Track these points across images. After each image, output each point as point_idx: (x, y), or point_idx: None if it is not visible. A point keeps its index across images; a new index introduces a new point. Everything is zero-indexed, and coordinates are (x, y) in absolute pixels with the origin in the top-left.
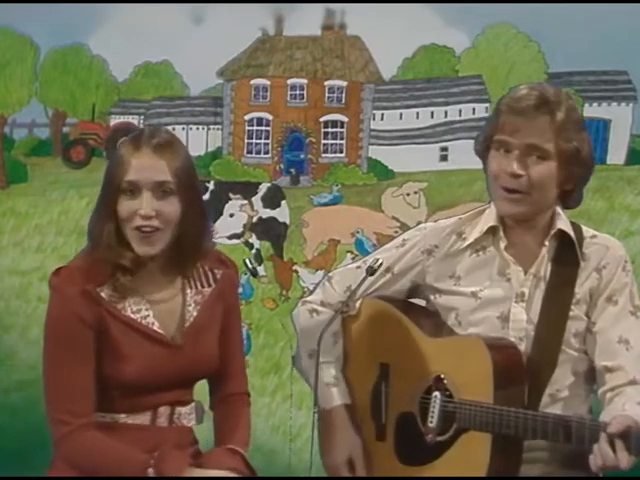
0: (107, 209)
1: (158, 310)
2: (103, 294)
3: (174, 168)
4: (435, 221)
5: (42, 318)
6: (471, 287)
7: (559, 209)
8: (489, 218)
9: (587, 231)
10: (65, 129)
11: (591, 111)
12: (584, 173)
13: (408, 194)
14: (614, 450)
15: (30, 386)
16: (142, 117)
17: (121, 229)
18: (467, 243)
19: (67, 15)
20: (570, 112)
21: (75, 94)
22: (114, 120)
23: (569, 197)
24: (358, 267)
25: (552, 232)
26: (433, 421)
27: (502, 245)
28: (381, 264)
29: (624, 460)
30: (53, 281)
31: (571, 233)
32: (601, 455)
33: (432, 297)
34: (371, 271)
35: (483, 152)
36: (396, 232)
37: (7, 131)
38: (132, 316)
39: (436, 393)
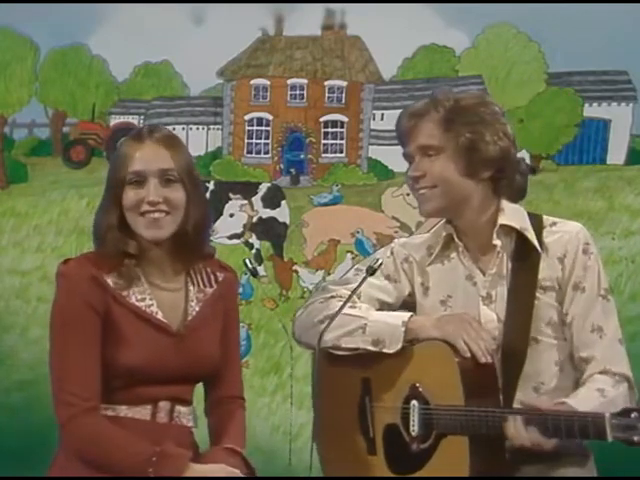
0: (112, 203)
1: (162, 301)
2: (109, 281)
3: (177, 158)
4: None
5: (42, 318)
6: (440, 296)
7: (505, 204)
8: (445, 228)
9: (547, 219)
10: (65, 129)
11: (591, 111)
12: (491, 160)
13: (408, 194)
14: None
15: (30, 386)
16: (142, 117)
17: (126, 220)
18: (433, 257)
19: (67, 15)
20: (455, 108)
21: (75, 94)
22: (114, 120)
23: (498, 186)
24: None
25: (495, 229)
26: (415, 429)
27: (460, 250)
28: (381, 264)
29: (535, 438)
30: (61, 269)
31: (516, 225)
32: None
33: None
34: (371, 271)
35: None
36: (396, 232)
37: (7, 131)
38: (137, 304)
39: (413, 402)
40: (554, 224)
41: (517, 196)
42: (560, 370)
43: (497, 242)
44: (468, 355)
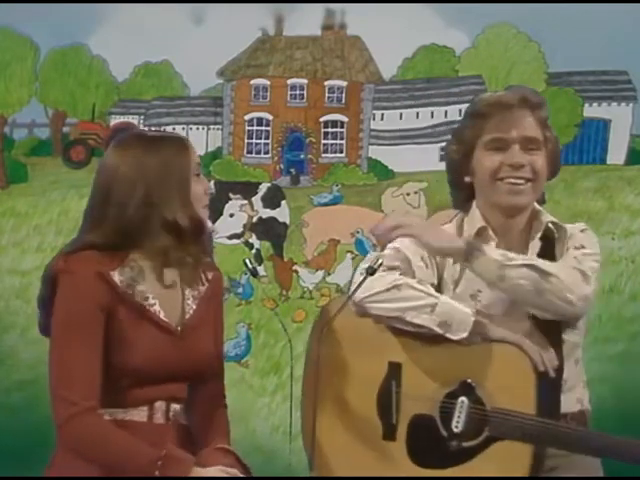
0: (187, 193)
1: (163, 300)
2: (115, 278)
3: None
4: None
5: None
6: (470, 290)
7: (537, 206)
8: (475, 221)
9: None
10: (65, 129)
11: (591, 111)
12: (558, 168)
13: (408, 194)
14: None
15: (30, 386)
16: (142, 117)
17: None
18: None
19: (67, 15)
20: (546, 109)
21: (75, 94)
22: (114, 120)
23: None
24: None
25: (542, 227)
26: (459, 426)
27: (493, 245)
28: (381, 264)
29: None
30: (63, 266)
31: (553, 227)
32: None
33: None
34: (371, 271)
35: (462, 158)
36: None
37: (7, 131)
38: (141, 302)
39: (463, 398)
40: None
41: (542, 202)
42: (576, 368)
43: (536, 241)
44: (542, 369)
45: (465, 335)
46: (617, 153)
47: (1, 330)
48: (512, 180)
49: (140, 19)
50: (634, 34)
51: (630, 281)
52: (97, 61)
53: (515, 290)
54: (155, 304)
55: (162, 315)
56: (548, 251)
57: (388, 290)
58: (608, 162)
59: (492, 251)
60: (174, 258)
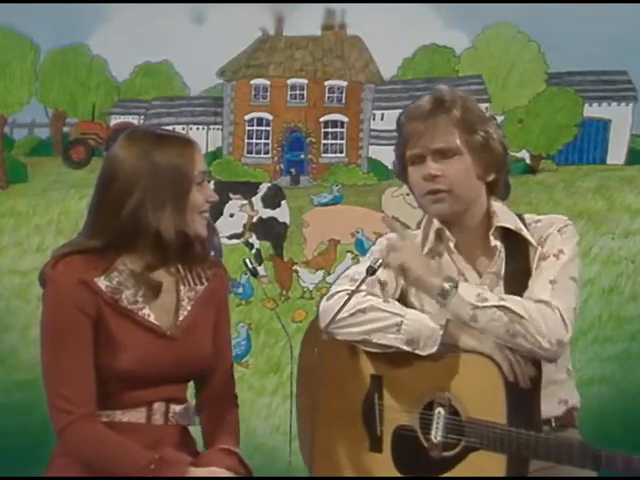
0: (182, 202)
1: (153, 303)
2: (100, 284)
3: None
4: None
5: None
6: (437, 291)
7: (495, 205)
8: (435, 224)
9: (530, 217)
10: (65, 129)
11: (591, 111)
12: (500, 161)
13: (408, 194)
14: None
15: (30, 386)
16: (142, 117)
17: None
18: (424, 251)
19: (67, 15)
20: (467, 107)
21: (75, 94)
22: (114, 120)
23: (496, 187)
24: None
25: (491, 231)
26: (437, 437)
27: (451, 245)
28: (381, 264)
29: None
30: (50, 273)
31: (511, 225)
32: None
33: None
34: (371, 271)
35: (403, 173)
36: None
37: (7, 131)
38: (129, 307)
39: (439, 409)
40: (538, 220)
41: (505, 195)
42: (553, 365)
43: (496, 243)
44: (512, 379)
45: (433, 350)
46: (617, 153)
47: (1, 330)
48: (431, 192)
49: (140, 19)
50: (634, 34)
51: (630, 281)
52: (97, 61)
53: (488, 330)
54: (144, 307)
55: (152, 318)
56: (518, 255)
57: (352, 315)
58: (608, 162)
59: (467, 291)
60: (159, 266)
